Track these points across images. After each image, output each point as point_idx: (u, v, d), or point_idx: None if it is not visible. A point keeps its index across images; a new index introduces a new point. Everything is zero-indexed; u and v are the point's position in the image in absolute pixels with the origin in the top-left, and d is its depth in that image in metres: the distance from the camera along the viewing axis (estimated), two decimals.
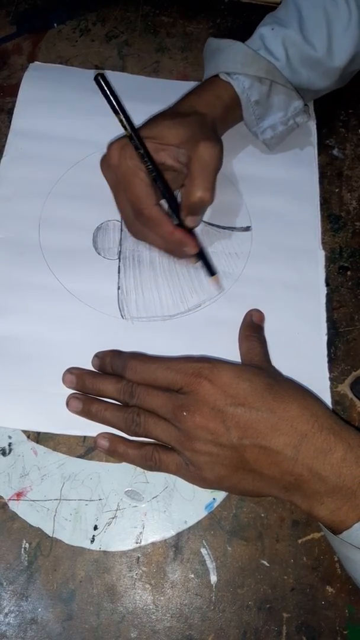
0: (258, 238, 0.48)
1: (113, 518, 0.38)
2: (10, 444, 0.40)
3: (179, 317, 0.44)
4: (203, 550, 0.38)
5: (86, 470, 0.39)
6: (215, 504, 0.39)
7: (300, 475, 0.33)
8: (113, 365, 0.39)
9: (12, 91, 0.53)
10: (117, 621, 0.36)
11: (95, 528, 0.38)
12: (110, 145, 0.42)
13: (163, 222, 0.42)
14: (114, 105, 0.39)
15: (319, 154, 0.53)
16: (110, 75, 0.55)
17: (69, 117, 0.52)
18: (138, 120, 0.50)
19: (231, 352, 0.42)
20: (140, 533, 0.38)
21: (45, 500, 0.38)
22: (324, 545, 0.38)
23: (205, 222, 0.48)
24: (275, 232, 0.48)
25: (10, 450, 0.40)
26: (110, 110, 0.39)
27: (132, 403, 0.37)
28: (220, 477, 0.35)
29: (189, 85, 0.55)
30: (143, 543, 0.38)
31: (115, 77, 0.55)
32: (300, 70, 0.48)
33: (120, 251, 0.46)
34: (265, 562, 0.38)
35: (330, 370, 0.43)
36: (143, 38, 0.58)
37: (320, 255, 0.48)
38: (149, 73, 0.56)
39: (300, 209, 0.50)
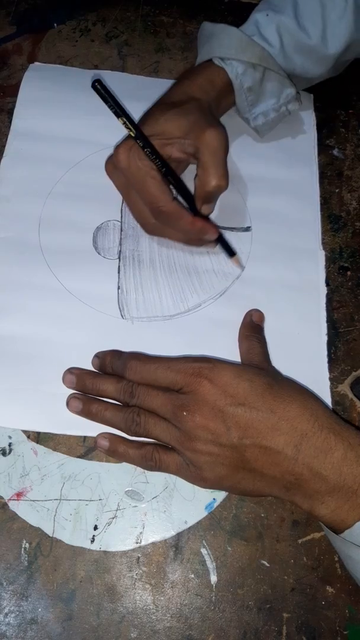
0: (258, 238, 0.48)
1: (113, 518, 0.38)
2: (10, 444, 0.40)
3: (179, 317, 0.44)
4: (203, 550, 0.38)
5: (86, 470, 0.39)
6: (216, 504, 0.39)
7: (300, 474, 0.33)
8: (113, 365, 0.39)
9: (12, 91, 0.53)
10: (117, 621, 0.36)
11: (96, 528, 0.38)
12: (117, 149, 0.42)
13: (183, 215, 0.42)
14: (115, 109, 0.39)
15: (319, 154, 0.53)
16: (110, 75, 0.56)
17: (69, 117, 0.52)
18: (135, 120, 0.50)
19: (231, 352, 0.42)
20: (141, 533, 0.38)
21: (46, 500, 0.38)
22: (324, 545, 0.38)
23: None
24: (275, 232, 0.48)
25: (10, 450, 0.40)
26: (117, 124, 0.39)
27: (132, 403, 0.37)
28: (220, 477, 0.35)
29: None
30: (143, 543, 0.38)
31: (115, 77, 0.55)
32: (294, 57, 0.48)
33: (120, 251, 0.46)
34: (265, 562, 0.38)
35: (330, 370, 0.43)
36: (143, 38, 0.58)
37: (321, 255, 0.48)
38: (149, 73, 0.56)
39: (301, 209, 0.50)
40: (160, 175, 0.41)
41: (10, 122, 0.52)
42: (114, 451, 0.38)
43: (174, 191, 0.42)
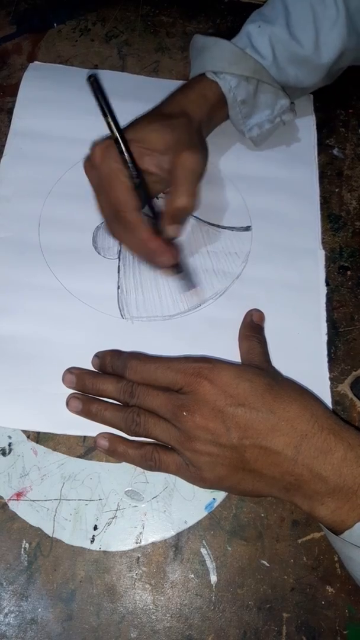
0: (258, 238, 0.48)
1: (113, 518, 0.38)
2: (10, 444, 0.40)
3: (178, 316, 0.44)
4: (203, 550, 0.38)
5: (86, 470, 0.39)
6: (215, 504, 0.39)
7: (300, 475, 0.33)
8: (113, 365, 0.39)
9: (12, 91, 0.53)
10: (117, 621, 0.36)
11: (95, 528, 0.38)
12: (94, 145, 0.41)
13: (140, 229, 0.41)
14: (102, 107, 0.38)
15: (319, 153, 0.53)
16: (110, 75, 0.55)
17: (69, 116, 0.52)
18: None
19: (231, 352, 0.42)
20: (140, 533, 0.38)
21: (45, 500, 0.38)
22: (323, 545, 0.38)
23: (205, 221, 0.48)
24: (275, 232, 0.48)
25: (10, 450, 0.40)
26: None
27: (132, 403, 0.37)
28: (220, 478, 0.35)
29: None
30: (143, 543, 0.38)
31: (115, 77, 0.55)
32: (287, 69, 0.48)
33: (120, 250, 0.46)
34: (265, 562, 0.38)
35: (330, 370, 0.43)
36: (143, 38, 0.58)
37: (320, 255, 0.48)
38: (148, 73, 0.56)
39: (300, 209, 0.50)
40: (131, 182, 0.40)
41: (10, 121, 0.52)
42: (114, 451, 0.38)
43: (143, 204, 0.41)
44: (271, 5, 0.49)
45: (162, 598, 0.37)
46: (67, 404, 0.39)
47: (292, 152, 0.52)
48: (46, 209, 0.48)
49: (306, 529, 0.39)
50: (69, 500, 0.38)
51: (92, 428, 0.39)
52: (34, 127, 0.51)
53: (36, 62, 0.55)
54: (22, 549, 0.37)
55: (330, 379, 0.43)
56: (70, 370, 0.40)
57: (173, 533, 0.38)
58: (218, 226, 0.48)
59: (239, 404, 0.34)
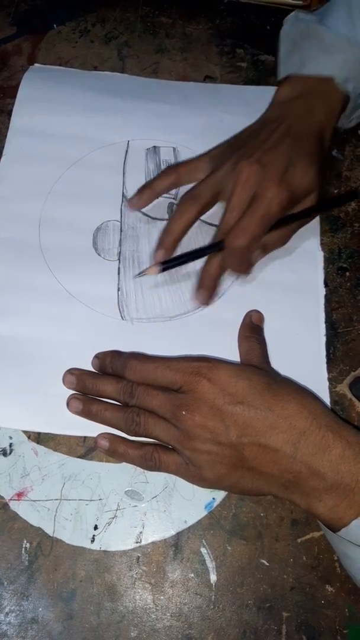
0: None
1: (113, 518, 0.38)
2: (11, 445, 0.40)
3: (178, 318, 0.44)
4: (203, 550, 0.38)
5: (86, 471, 0.40)
6: (215, 504, 0.39)
7: (299, 472, 0.33)
8: (113, 365, 0.39)
9: (12, 92, 0.53)
10: (117, 620, 0.36)
11: (96, 528, 0.38)
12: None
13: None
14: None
15: None
16: (110, 76, 0.56)
17: (68, 115, 0.52)
18: (135, 119, 0.50)
19: (231, 353, 0.42)
20: (140, 533, 0.38)
21: (46, 500, 0.38)
22: (323, 544, 0.39)
23: (204, 221, 0.48)
24: None
25: (11, 450, 0.40)
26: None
27: (132, 403, 0.37)
28: (219, 476, 0.35)
29: (188, 86, 0.55)
30: (143, 543, 0.38)
31: (114, 78, 0.55)
32: None
33: (120, 252, 0.47)
34: (264, 562, 0.38)
35: (329, 370, 0.43)
36: (142, 39, 0.58)
37: (319, 256, 0.48)
38: (148, 74, 0.56)
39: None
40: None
41: (9, 122, 0.52)
42: (114, 451, 0.38)
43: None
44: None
45: (162, 597, 0.37)
46: (68, 404, 0.39)
47: None
48: (46, 209, 0.48)
49: (306, 529, 0.39)
50: (69, 500, 0.39)
51: (92, 428, 0.39)
52: (33, 126, 0.51)
53: (36, 65, 0.55)
54: (23, 549, 0.37)
55: (329, 379, 0.43)
56: (71, 371, 0.40)
57: (173, 533, 0.38)
58: (218, 226, 0.48)
59: (237, 402, 0.34)
